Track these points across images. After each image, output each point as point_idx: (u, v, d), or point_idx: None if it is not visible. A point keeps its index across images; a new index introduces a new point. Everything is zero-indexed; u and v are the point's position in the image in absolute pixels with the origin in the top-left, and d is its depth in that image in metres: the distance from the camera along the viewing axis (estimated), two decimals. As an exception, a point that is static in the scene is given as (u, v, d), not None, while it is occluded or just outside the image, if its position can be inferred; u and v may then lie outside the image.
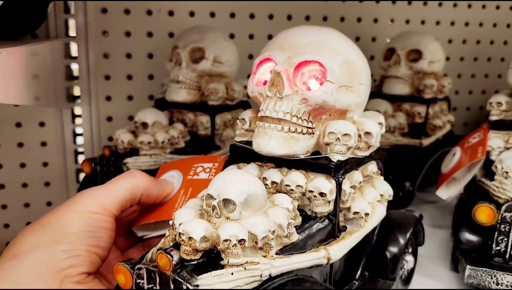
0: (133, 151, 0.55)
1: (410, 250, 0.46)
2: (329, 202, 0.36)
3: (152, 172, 0.46)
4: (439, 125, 0.71)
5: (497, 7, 0.89)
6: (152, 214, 0.42)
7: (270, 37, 0.78)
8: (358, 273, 0.42)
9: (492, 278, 0.44)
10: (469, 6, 0.87)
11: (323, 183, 0.35)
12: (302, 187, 0.36)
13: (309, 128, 0.37)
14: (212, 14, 0.74)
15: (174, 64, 0.62)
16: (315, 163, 0.36)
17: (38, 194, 0.73)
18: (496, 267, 0.44)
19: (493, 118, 0.56)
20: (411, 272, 0.47)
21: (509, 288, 0.44)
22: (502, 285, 0.44)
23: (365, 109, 0.67)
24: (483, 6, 0.88)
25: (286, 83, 0.36)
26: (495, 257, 0.45)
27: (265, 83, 0.38)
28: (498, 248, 0.45)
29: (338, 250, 0.36)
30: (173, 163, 0.48)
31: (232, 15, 0.75)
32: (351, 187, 0.38)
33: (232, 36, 0.76)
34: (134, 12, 0.71)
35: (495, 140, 0.54)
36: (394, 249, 0.42)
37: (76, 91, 0.72)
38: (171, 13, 0.73)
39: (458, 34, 0.89)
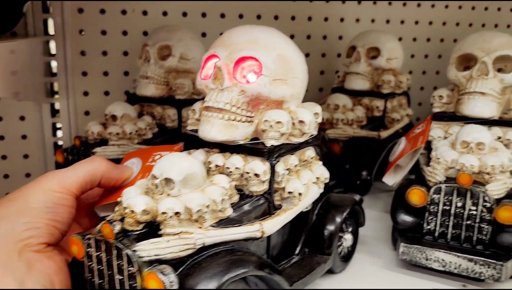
0: (103, 142, 0.60)
1: (350, 229, 0.51)
2: (263, 182, 0.40)
3: (120, 161, 0.50)
4: (397, 118, 0.76)
5: (459, 7, 0.93)
6: (112, 195, 0.46)
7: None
8: (298, 249, 0.46)
9: (422, 254, 0.49)
10: (433, 6, 0.92)
11: (258, 165, 0.40)
12: (240, 169, 0.40)
13: (248, 116, 0.41)
14: (185, 14, 0.79)
15: (144, 61, 0.66)
16: (252, 147, 0.41)
17: (19, 185, 0.75)
18: (426, 244, 0.49)
19: (435, 110, 0.60)
20: (351, 250, 0.51)
21: (437, 261, 0.48)
22: (430, 260, 0.48)
23: (326, 103, 0.72)
24: (446, 6, 0.92)
25: (226, 77, 0.41)
26: (426, 236, 0.50)
27: (210, 77, 0.43)
28: (428, 227, 0.50)
29: (272, 225, 0.40)
30: (136, 152, 0.52)
31: (204, 15, 0.80)
32: (286, 169, 0.42)
33: (204, 34, 0.80)
34: (109, 12, 0.75)
35: (436, 130, 0.58)
36: (330, 227, 0.47)
37: (55, 87, 0.76)
38: (145, 13, 0.77)
39: (422, 33, 0.93)
